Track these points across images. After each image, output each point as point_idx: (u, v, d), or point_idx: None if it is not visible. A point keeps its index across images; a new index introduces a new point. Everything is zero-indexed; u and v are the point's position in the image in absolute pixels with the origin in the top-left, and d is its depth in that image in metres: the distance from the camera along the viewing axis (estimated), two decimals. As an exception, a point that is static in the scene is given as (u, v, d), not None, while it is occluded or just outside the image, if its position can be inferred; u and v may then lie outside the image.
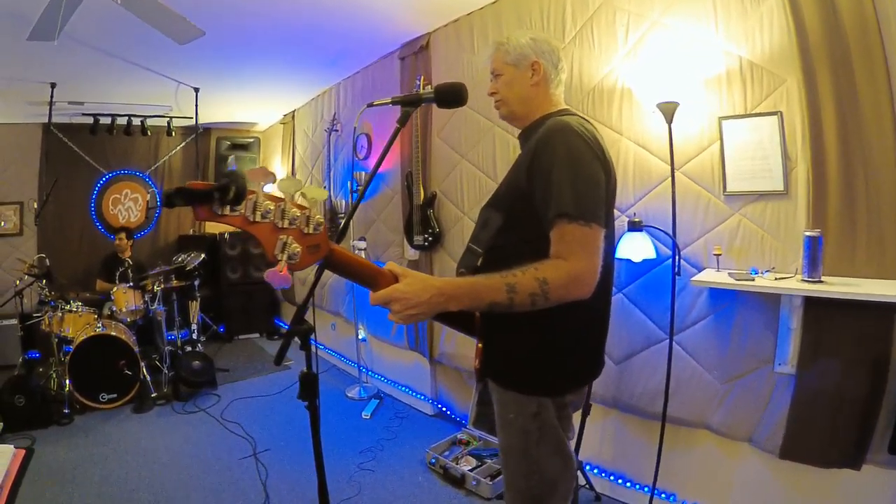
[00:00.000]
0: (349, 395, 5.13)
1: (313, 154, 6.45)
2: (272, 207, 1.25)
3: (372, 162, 5.12)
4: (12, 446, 1.70)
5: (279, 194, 1.30)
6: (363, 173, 4.99)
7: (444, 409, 4.59)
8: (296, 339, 1.50)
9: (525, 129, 1.83)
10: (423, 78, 4.26)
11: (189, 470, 3.93)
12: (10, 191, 7.17)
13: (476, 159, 3.99)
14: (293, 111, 7.13)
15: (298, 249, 1.28)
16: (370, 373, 5.38)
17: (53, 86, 5.50)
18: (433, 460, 3.69)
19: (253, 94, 6.40)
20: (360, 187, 4.97)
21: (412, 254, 4.50)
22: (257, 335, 7.73)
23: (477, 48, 3.94)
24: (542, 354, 1.66)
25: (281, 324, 7.94)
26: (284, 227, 1.27)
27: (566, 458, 1.72)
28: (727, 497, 2.77)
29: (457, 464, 3.56)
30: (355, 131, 5.14)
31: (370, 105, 2.06)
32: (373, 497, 3.46)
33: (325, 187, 5.82)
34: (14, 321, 6.59)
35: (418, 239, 4.30)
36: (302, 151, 6.85)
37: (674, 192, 2.74)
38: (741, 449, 2.68)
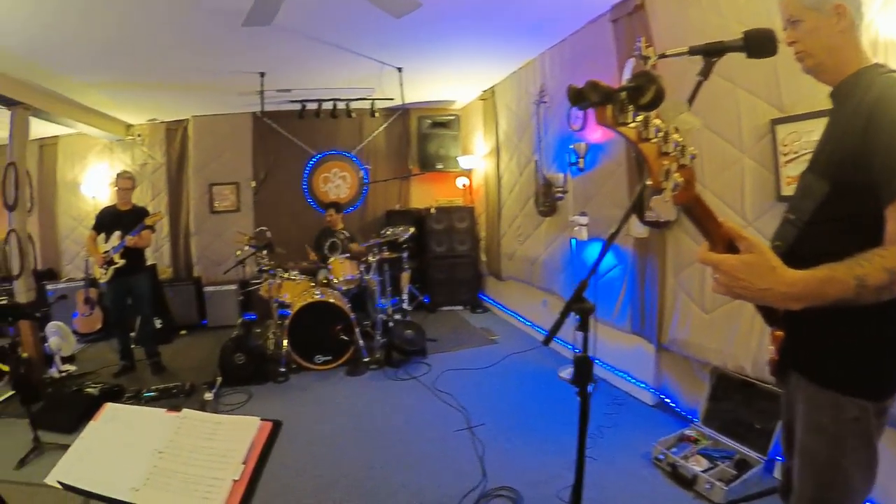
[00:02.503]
0: (561, 375, 4.90)
1: (519, 128, 6.28)
2: (661, 126, 1.08)
3: (588, 133, 4.83)
4: (258, 419, 1.62)
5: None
6: (583, 144, 4.72)
7: (666, 399, 4.19)
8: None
9: (839, 84, 1.55)
10: (643, 40, 3.89)
11: (403, 436, 3.94)
12: (226, 173, 8.11)
13: (716, 126, 3.49)
14: (492, 87, 7.03)
15: (681, 180, 1.10)
16: (583, 354, 5.10)
17: (262, 75, 5.88)
18: (661, 456, 3.34)
19: (453, 71, 6.39)
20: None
21: (640, 231, 4.15)
22: (460, 307, 7.87)
23: (704, 2, 3.47)
24: (876, 350, 1.44)
25: (485, 298, 7.95)
26: (668, 151, 1.09)
27: (874, 470, 1.51)
28: None
29: (686, 462, 3.21)
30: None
31: (662, 56, 1.88)
32: (596, 487, 3.16)
33: (535, 161, 5.65)
34: (234, 287, 7.31)
35: (651, 215, 3.95)
36: (506, 126, 6.71)
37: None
38: None
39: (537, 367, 5.24)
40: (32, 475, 3.60)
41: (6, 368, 5.14)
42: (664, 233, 3.97)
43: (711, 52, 1.58)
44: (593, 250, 4.82)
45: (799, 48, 1.57)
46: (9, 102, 5.36)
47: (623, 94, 1.05)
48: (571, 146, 4.69)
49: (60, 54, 4.84)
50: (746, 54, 1.56)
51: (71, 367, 5.84)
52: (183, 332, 7.39)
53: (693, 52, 1.64)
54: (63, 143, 8.19)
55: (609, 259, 4.61)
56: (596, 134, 4.71)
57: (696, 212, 1.21)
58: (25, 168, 5.53)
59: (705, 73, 1.58)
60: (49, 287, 7.37)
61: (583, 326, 1.72)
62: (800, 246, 1.48)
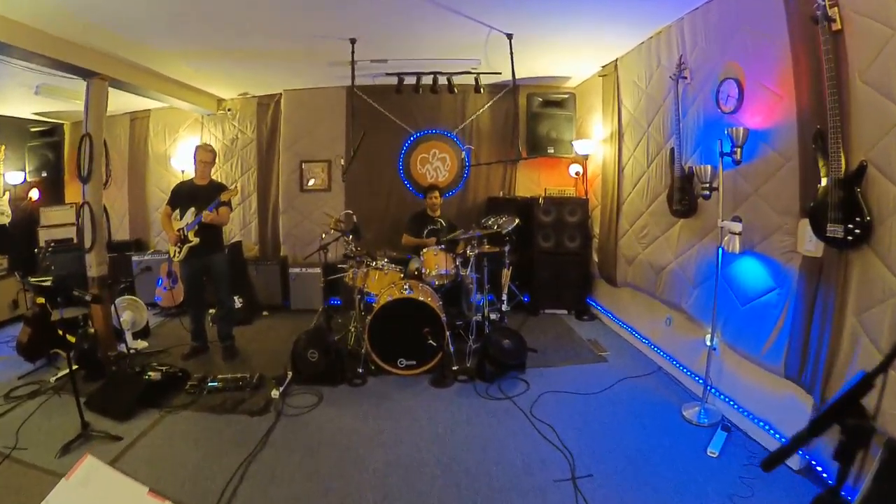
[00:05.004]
0: (685, 414, 4.02)
1: (649, 109, 5.32)
2: None
3: (745, 116, 3.84)
4: (146, 489, 1.28)
5: None
6: (740, 129, 3.70)
7: (817, 466, 3.20)
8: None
9: None
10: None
11: (492, 481, 3.27)
12: (318, 150, 7.75)
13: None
14: (615, 60, 6.10)
15: None
16: (714, 391, 4.16)
17: (353, 41, 5.33)
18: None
19: (568, 42, 5.55)
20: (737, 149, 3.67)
21: (811, 247, 3.17)
22: (564, 312, 7.06)
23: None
24: None
25: (593, 304, 7.08)
26: None
27: None
28: None
29: (835, 565, 2.32)
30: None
31: None
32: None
33: (669, 148, 4.67)
34: (318, 270, 7.03)
35: (835, 229, 2.88)
36: (632, 107, 5.76)
37: None
38: None
39: (656, 400, 4.36)
40: (71, 466, 3.23)
41: (73, 339, 4.89)
42: (848, 254, 2.94)
43: None
44: (745, 266, 3.82)
45: None
46: (83, 73, 5.11)
47: None
48: (727, 131, 3.68)
49: (130, 19, 4.49)
50: None
51: (142, 344, 5.66)
52: (265, 312, 7.24)
53: None
54: (154, 116, 8.24)
55: (763, 279, 3.62)
56: (755, 118, 3.73)
57: None
58: (103, 140, 5.31)
59: None
60: (134, 258, 7.40)
61: (848, 454, 0.95)
62: None
